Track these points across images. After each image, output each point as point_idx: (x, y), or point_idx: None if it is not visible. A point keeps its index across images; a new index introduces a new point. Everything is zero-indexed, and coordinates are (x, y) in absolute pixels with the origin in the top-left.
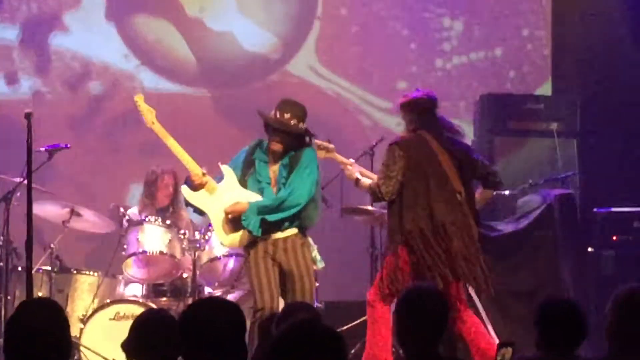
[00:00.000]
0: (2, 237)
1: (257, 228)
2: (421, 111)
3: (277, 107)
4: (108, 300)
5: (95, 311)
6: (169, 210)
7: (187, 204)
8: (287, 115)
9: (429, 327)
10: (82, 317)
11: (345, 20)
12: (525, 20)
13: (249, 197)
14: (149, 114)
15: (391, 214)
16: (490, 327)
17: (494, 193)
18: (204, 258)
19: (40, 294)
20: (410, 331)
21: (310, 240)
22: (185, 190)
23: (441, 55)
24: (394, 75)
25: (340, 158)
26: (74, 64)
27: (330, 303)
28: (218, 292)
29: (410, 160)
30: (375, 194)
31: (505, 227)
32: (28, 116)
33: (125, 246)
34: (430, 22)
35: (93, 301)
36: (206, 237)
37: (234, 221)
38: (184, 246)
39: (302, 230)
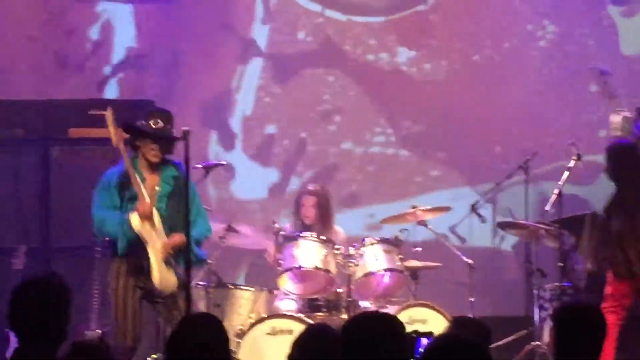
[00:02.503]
0: None
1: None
2: None
3: (145, 116)
4: (264, 315)
5: (251, 326)
6: (319, 228)
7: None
8: (160, 123)
9: (588, 344)
10: (238, 332)
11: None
12: None
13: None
14: (117, 133)
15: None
16: None
17: None
18: (359, 273)
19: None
20: (569, 347)
21: None
22: (133, 218)
23: None
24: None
25: None
26: None
27: (485, 318)
28: (372, 307)
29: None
30: None
31: None
32: (185, 134)
33: (280, 261)
34: None
35: (249, 316)
36: (360, 252)
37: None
38: (338, 261)
39: None
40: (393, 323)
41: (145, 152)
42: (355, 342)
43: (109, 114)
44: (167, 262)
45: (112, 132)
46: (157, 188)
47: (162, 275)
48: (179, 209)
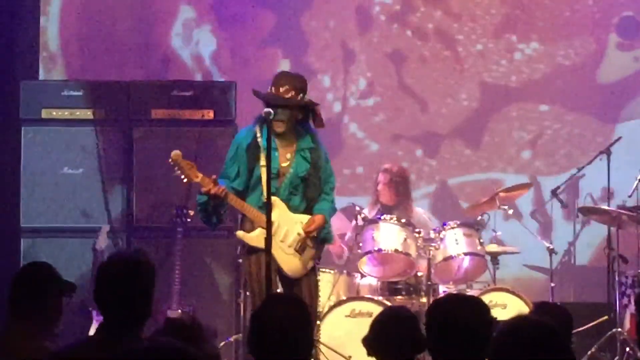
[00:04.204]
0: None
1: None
2: None
3: (272, 82)
4: (344, 297)
5: (331, 308)
6: (398, 208)
7: (246, 246)
8: (282, 89)
9: None
10: (318, 314)
11: None
12: None
13: (302, 219)
14: (191, 169)
15: None
16: None
17: None
18: (439, 257)
19: (278, 291)
20: None
21: None
22: (241, 234)
23: None
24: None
25: None
26: None
27: (566, 304)
28: (453, 291)
29: None
30: None
31: None
32: (267, 115)
33: (360, 244)
34: None
35: (329, 298)
36: (441, 236)
37: (300, 248)
38: (418, 245)
39: None
40: (479, 306)
41: (271, 122)
42: (439, 324)
43: (174, 157)
44: (297, 249)
45: (186, 171)
46: (290, 164)
47: (285, 261)
48: (316, 183)
